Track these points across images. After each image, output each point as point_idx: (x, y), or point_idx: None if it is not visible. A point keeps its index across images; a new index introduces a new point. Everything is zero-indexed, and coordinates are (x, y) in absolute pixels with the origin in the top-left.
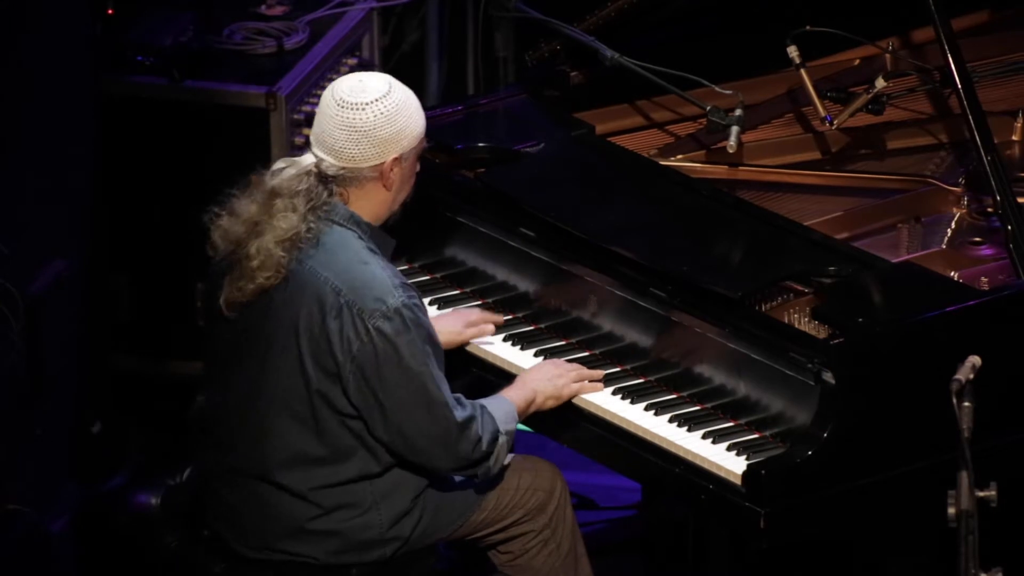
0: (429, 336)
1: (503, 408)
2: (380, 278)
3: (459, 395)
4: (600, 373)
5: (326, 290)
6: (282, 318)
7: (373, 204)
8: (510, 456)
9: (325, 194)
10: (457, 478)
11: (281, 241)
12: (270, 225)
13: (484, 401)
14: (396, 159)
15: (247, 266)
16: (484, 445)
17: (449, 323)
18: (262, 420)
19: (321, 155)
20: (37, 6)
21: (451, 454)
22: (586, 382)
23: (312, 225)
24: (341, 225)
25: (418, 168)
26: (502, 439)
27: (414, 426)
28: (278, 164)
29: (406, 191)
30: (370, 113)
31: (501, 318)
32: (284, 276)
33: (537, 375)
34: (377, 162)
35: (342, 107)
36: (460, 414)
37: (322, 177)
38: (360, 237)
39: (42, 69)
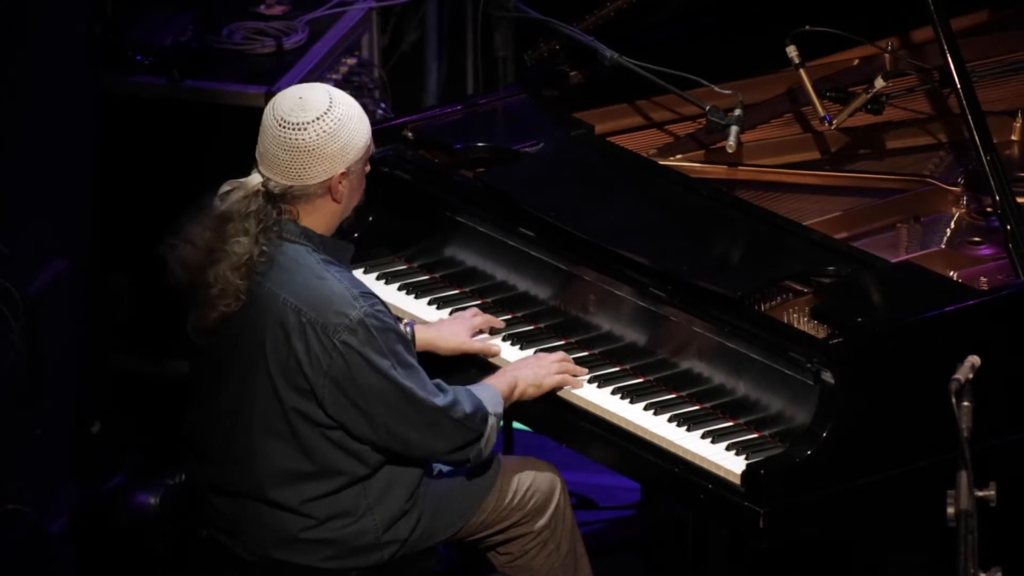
0: (397, 336)
1: (487, 392)
2: (338, 292)
3: (438, 381)
4: (584, 370)
5: (286, 311)
6: (249, 341)
7: (324, 217)
8: (514, 457)
9: (275, 213)
10: (456, 477)
11: (236, 268)
12: (224, 251)
13: (469, 387)
14: (343, 173)
15: (208, 294)
16: (474, 424)
17: (452, 330)
18: (247, 440)
19: (267, 174)
20: (37, 6)
21: (443, 439)
22: (568, 375)
23: (265, 248)
24: (292, 241)
25: (368, 168)
26: (491, 419)
27: (402, 423)
28: (224, 187)
29: (356, 198)
30: (312, 132)
31: (501, 324)
32: (244, 300)
33: (519, 364)
34: (324, 178)
35: (284, 127)
36: (442, 400)
37: (270, 196)
38: (314, 251)
39: (42, 69)
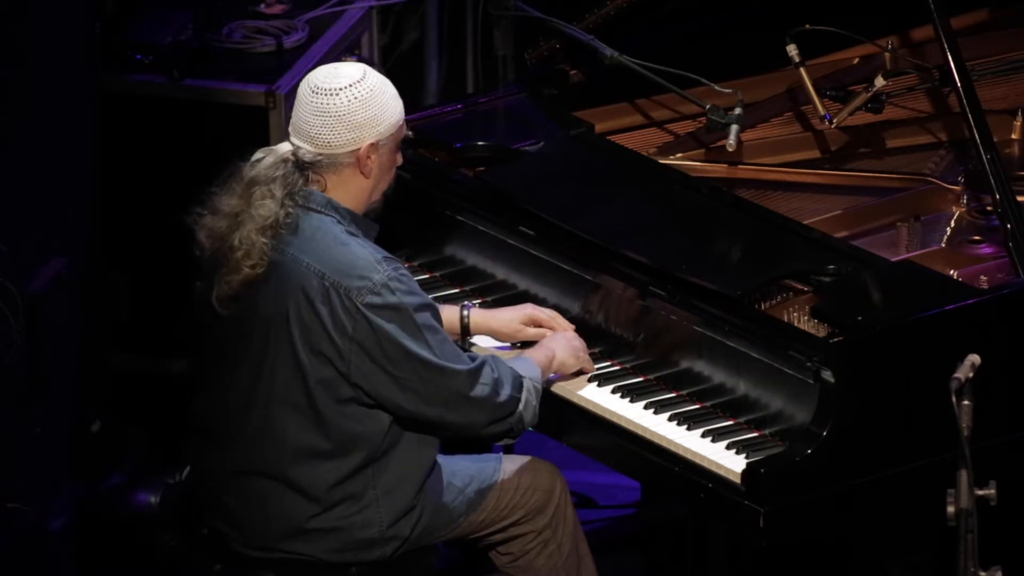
0: (422, 302)
1: (523, 363)
2: (361, 256)
3: (471, 351)
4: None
5: (310, 276)
6: (271, 311)
7: (351, 192)
8: (515, 456)
9: (301, 181)
10: (456, 474)
11: (262, 229)
12: (250, 214)
13: (503, 359)
14: (372, 145)
15: (232, 258)
16: (508, 388)
17: (508, 318)
18: (263, 415)
19: (297, 142)
20: (37, 6)
21: (476, 405)
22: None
23: (290, 210)
24: (319, 212)
25: (399, 160)
26: (527, 383)
27: (431, 390)
28: (257, 154)
29: (386, 181)
30: (343, 98)
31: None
32: (268, 266)
33: (554, 338)
34: (353, 147)
35: (316, 93)
36: (471, 366)
37: (299, 164)
38: (339, 222)
39: (42, 68)
